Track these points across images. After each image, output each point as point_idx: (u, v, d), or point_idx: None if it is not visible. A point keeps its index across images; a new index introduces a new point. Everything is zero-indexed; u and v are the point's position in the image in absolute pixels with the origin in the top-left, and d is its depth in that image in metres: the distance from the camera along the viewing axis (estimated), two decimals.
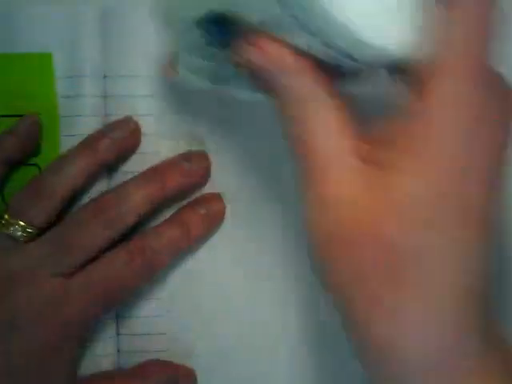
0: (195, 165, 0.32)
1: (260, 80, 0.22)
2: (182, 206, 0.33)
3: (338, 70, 0.22)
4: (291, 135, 0.23)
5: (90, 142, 0.32)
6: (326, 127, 0.22)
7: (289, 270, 0.33)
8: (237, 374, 0.34)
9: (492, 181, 0.21)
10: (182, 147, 0.33)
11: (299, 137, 0.22)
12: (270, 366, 0.34)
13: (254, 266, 0.33)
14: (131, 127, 0.33)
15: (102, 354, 0.33)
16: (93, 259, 0.31)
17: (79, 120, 0.33)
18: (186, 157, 0.33)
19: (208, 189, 0.33)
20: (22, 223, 0.31)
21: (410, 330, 0.21)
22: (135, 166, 0.33)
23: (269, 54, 0.21)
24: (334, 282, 0.22)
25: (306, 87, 0.22)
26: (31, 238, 0.31)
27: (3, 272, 0.30)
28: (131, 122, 0.33)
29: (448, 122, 0.20)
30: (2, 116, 0.33)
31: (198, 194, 0.33)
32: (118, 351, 0.34)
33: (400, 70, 0.22)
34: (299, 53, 0.21)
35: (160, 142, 0.33)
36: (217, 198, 0.33)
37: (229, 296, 0.34)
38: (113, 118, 0.33)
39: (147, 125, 0.33)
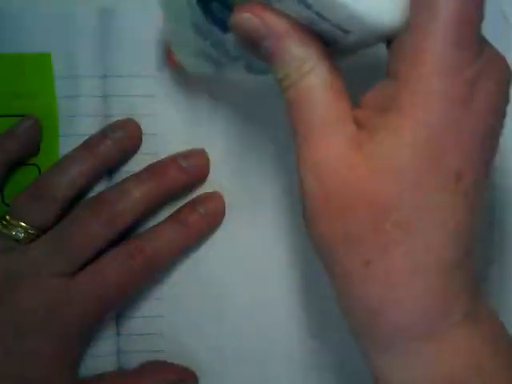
0: (193, 162, 0.32)
1: (259, 49, 0.23)
2: (181, 206, 0.33)
3: (332, 44, 0.22)
4: (288, 101, 0.23)
5: (91, 144, 0.32)
6: (321, 90, 0.22)
7: (290, 270, 0.33)
8: (237, 374, 0.34)
9: (484, 152, 0.21)
10: (182, 147, 0.33)
11: (294, 101, 0.22)
12: (270, 367, 0.34)
13: (254, 266, 0.33)
14: (132, 128, 0.33)
15: (102, 354, 0.33)
16: (93, 259, 0.30)
17: (78, 120, 0.33)
18: (185, 155, 0.32)
19: (208, 187, 0.33)
20: (23, 224, 0.31)
21: (400, 293, 0.21)
22: (135, 166, 0.33)
23: (266, 21, 0.22)
24: (327, 243, 0.22)
25: (300, 50, 0.22)
26: (32, 240, 0.31)
27: (4, 273, 0.30)
28: (132, 123, 0.33)
29: (436, 91, 0.20)
30: (1, 116, 0.33)
31: (197, 193, 0.33)
32: (118, 351, 0.33)
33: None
34: (293, 20, 0.22)
35: (160, 142, 0.33)
36: (216, 196, 0.33)
37: (229, 296, 0.33)
38: (112, 119, 0.33)
39: (147, 125, 0.33)
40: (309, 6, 0.20)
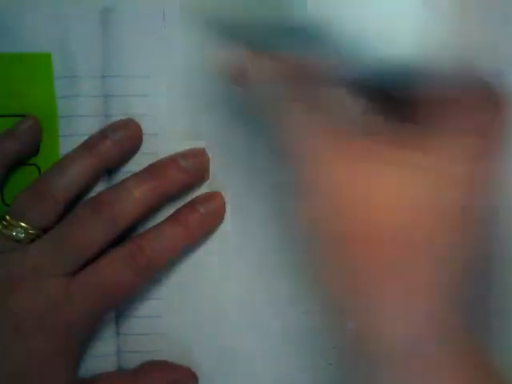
0: (193, 162, 0.32)
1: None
2: (181, 206, 0.33)
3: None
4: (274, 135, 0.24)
5: (91, 144, 0.32)
6: (301, 126, 0.24)
7: (290, 270, 0.33)
8: (237, 374, 0.34)
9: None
10: (182, 147, 0.33)
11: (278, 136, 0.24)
12: (270, 367, 0.34)
13: (254, 266, 0.33)
14: (132, 128, 0.33)
15: (102, 354, 0.33)
16: (93, 259, 0.30)
17: (78, 120, 0.33)
18: (185, 154, 0.32)
19: (208, 187, 0.33)
20: (23, 225, 0.30)
21: (395, 317, 0.23)
22: (135, 166, 0.33)
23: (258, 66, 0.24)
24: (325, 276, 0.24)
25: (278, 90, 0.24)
26: (33, 240, 0.31)
27: (4, 274, 0.30)
28: (132, 123, 0.33)
29: None
30: (1, 116, 0.33)
31: (197, 193, 0.33)
32: (118, 351, 0.34)
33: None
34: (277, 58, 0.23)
35: (160, 142, 0.33)
36: (216, 196, 0.33)
37: (229, 296, 0.33)
38: (112, 118, 0.33)
39: (147, 125, 0.33)
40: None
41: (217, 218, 0.33)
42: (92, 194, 0.32)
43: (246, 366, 0.34)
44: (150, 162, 0.32)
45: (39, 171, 0.33)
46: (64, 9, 0.32)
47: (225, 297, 0.33)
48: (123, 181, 0.32)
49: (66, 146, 0.32)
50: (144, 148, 0.33)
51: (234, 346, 0.33)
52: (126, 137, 0.32)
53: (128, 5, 0.32)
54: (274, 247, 0.33)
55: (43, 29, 0.32)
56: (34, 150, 0.33)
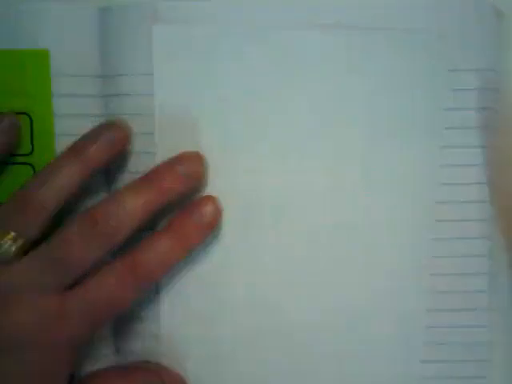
0: (190, 168, 0.31)
1: None
2: (175, 214, 0.32)
3: None
4: None
5: (77, 148, 0.31)
6: None
7: (288, 273, 0.33)
8: (235, 376, 0.34)
9: None
10: (181, 147, 0.32)
11: None
12: (270, 367, 0.34)
13: (252, 269, 0.33)
14: (119, 129, 0.32)
15: (101, 354, 0.33)
16: (85, 274, 0.30)
17: (75, 119, 0.33)
18: (180, 160, 0.32)
19: (205, 191, 0.33)
20: (10, 236, 0.29)
21: None
22: (132, 165, 0.33)
23: None
24: None
25: None
26: (21, 252, 0.30)
27: None
28: (119, 124, 0.32)
29: None
30: None
31: (194, 197, 0.33)
32: (118, 351, 0.34)
33: None
34: None
35: (157, 142, 0.33)
36: (211, 201, 0.32)
37: (227, 298, 0.33)
38: (110, 118, 0.33)
39: (145, 124, 0.32)
40: None
41: (212, 224, 0.32)
42: (88, 195, 0.32)
43: (245, 368, 0.34)
44: (148, 162, 0.32)
45: (34, 171, 0.33)
46: (63, 5, 0.32)
47: (223, 299, 0.33)
48: (119, 193, 0.30)
49: (63, 145, 0.32)
50: (141, 147, 0.33)
51: (233, 347, 0.33)
52: (113, 139, 0.31)
53: (126, 4, 0.32)
54: (273, 250, 0.33)
55: (41, 25, 0.32)
56: (13, 150, 0.32)
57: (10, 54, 0.32)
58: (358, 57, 0.32)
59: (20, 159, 0.32)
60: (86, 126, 0.32)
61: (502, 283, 0.33)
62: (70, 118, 0.33)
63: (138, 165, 0.32)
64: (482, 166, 0.32)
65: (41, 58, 0.32)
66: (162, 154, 0.32)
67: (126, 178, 0.33)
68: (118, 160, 0.33)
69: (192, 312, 0.33)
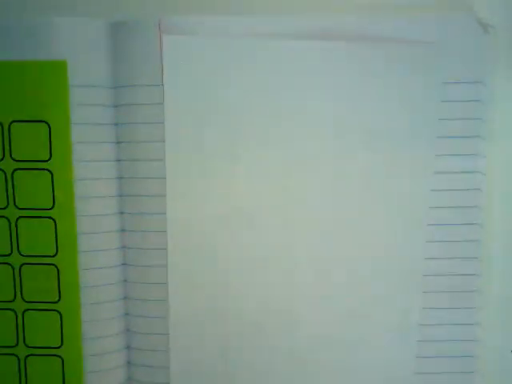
0: None
1: None
2: None
3: None
4: None
5: None
6: None
7: (287, 272, 0.34)
8: (237, 374, 0.34)
9: None
10: (190, 154, 0.33)
11: None
12: (270, 367, 0.34)
13: (255, 266, 0.34)
14: None
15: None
16: None
17: (91, 128, 0.33)
18: None
19: (209, 196, 0.34)
20: None
21: None
22: (143, 172, 0.33)
23: None
24: None
25: None
26: None
27: None
28: None
29: None
30: (15, 121, 0.33)
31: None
32: (118, 351, 0.34)
33: None
34: None
35: (168, 149, 0.33)
36: None
37: (228, 297, 0.34)
38: (123, 126, 0.34)
39: (156, 132, 0.33)
40: None
41: None
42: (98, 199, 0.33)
43: (246, 367, 0.34)
44: (158, 170, 0.33)
45: (52, 176, 0.33)
46: (79, 18, 0.33)
47: (224, 298, 0.34)
48: None
49: (80, 152, 0.33)
50: (152, 155, 0.33)
51: (238, 347, 0.34)
52: None
53: (141, 16, 0.33)
54: (274, 249, 0.34)
55: (60, 37, 0.33)
56: None
57: (30, 65, 0.33)
58: (358, 68, 0.33)
59: (39, 165, 0.33)
60: (100, 134, 0.33)
61: (494, 282, 0.35)
62: (85, 126, 0.33)
63: (149, 172, 0.33)
64: (473, 173, 0.34)
65: (59, 69, 0.33)
66: (171, 163, 0.33)
67: (136, 184, 0.34)
68: (128, 166, 0.34)
69: (194, 310, 0.34)
